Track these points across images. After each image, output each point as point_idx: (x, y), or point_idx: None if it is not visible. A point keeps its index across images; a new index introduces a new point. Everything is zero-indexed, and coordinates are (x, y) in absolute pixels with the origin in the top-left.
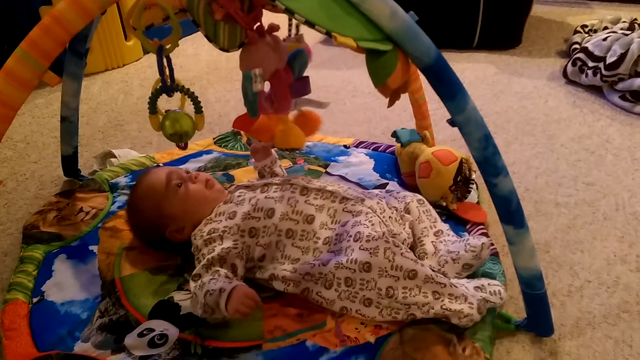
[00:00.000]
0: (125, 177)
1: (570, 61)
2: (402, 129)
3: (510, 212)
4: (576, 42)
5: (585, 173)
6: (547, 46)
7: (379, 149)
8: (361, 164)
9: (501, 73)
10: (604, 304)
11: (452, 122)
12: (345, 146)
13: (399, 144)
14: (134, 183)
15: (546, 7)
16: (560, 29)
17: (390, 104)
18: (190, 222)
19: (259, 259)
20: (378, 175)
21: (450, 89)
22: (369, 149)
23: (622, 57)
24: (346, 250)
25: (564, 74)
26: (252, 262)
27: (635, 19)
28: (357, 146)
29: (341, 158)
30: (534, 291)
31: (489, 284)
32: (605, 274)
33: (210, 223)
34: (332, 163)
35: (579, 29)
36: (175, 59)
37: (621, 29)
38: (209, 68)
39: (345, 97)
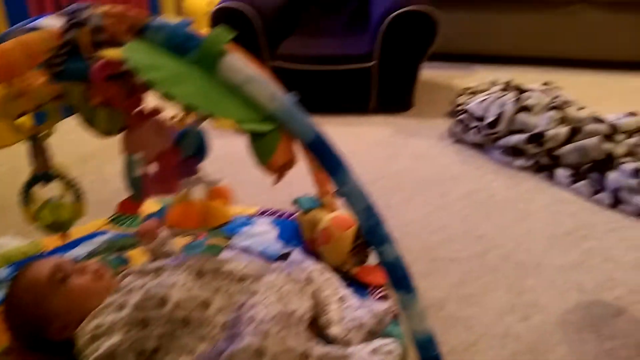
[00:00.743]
0: (5, 269)
1: (456, 122)
2: (304, 196)
3: (398, 279)
4: (461, 104)
5: (475, 227)
6: (437, 108)
7: (283, 217)
8: (265, 233)
9: (397, 135)
10: (497, 356)
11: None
12: (248, 216)
13: (301, 211)
14: (14, 276)
15: (435, 71)
16: (447, 91)
17: (277, 181)
18: (75, 320)
19: (153, 352)
20: (282, 243)
21: (332, 165)
22: (273, 217)
23: (499, 117)
24: (240, 336)
25: (452, 133)
26: (144, 355)
27: (510, 81)
28: (261, 214)
29: (244, 229)
30: (428, 355)
31: (383, 345)
32: (497, 327)
33: (96, 318)
34: (235, 235)
35: (463, 91)
36: (69, 135)
37: (498, 90)
38: (107, 142)
39: (249, 164)
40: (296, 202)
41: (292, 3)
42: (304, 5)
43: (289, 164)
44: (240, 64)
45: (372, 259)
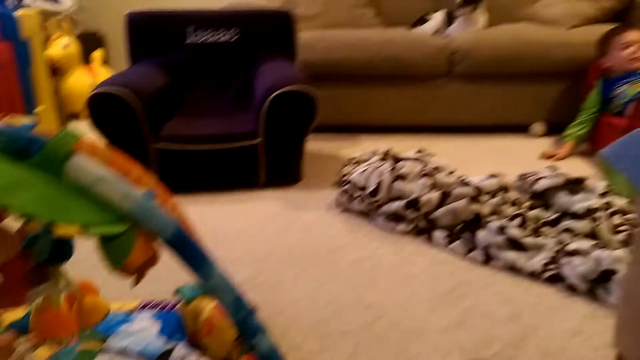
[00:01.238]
0: None
1: (341, 192)
2: (187, 284)
3: None
4: (346, 174)
5: (364, 296)
6: (325, 179)
7: (166, 308)
8: (145, 330)
9: (286, 208)
10: None
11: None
12: (127, 312)
13: (183, 302)
14: None
15: (322, 143)
16: (335, 162)
17: (136, 282)
18: None
19: None
20: (165, 338)
21: (194, 260)
22: (155, 309)
23: (378, 186)
24: None
25: (339, 203)
26: None
27: (388, 150)
28: (142, 308)
29: (123, 327)
30: None
31: None
32: None
33: None
34: (111, 336)
35: (348, 161)
36: None
37: (377, 160)
38: None
39: None
40: (178, 291)
41: (174, 84)
42: (188, 85)
43: (148, 263)
44: (88, 165)
45: None
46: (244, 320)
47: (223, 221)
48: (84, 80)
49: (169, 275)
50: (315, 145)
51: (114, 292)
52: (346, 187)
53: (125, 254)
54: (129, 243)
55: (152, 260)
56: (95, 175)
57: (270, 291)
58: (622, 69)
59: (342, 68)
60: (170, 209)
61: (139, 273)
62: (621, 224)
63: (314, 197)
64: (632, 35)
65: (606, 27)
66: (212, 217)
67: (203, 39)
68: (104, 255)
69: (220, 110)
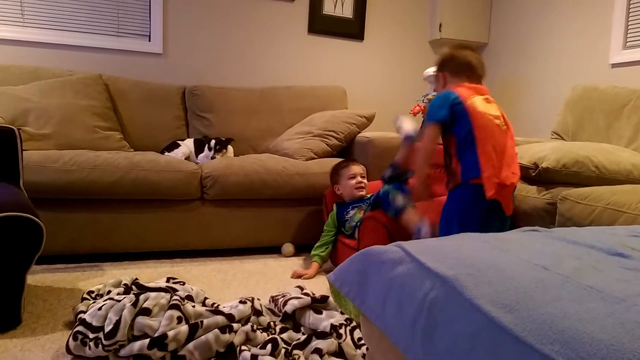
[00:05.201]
0: None
1: (72, 335)
2: None
3: None
4: (82, 311)
5: None
6: (55, 320)
7: None
8: None
9: None
10: None
11: None
12: None
13: None
14: None
15: (56, 275)
16: (70, 296)
17: None
18: None
19: None
20: None
21: None
22: None
23: (117, 324)
24: None
25: (67, 350)
26: None
27: (134, 280)
28: None
29: None
30: None
31: None
32: None
33: None
34: None
35: (85, 295)
36: None
37: (118, 293)
38: None
39: None
40: None
41: None
42: None
43: None
44: None
45: None
46: None
47: None
48: None
49: None
50: (45, 278)
51: None
52: (77, 328)
53: None
54: None
55: None
56: None
57: None
58: (350, 196)
59: (79, 191)
60: None
61: None
62: (362, 338)
63: (39, 343)
64: (356, 168)
65: (335, 160)
66: None
67: None
68: None
69: None
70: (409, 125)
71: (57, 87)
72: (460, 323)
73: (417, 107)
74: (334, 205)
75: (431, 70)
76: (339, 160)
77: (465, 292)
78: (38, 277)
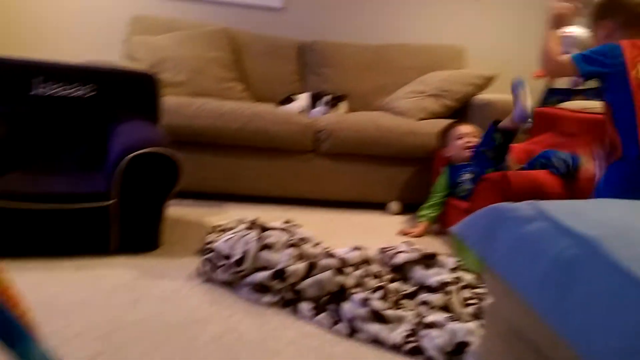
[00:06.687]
0: None
1: (203, 260)
2: None
3: None
4: (210, 242)
5: None
6: (186, 247)
7: None
8: None
9: (141, 278)
10: None
11: None
12: None
13: None
14: None
15: (186, 209)
16: (198, 229)
17: None
18: None
19: None
20: None
21: (9, 336)
22: None
23: (244, 255)
24: None
25: (201, 273)
26: None
27: (255, 219)
28: None
29: None
30: None
31: None
32: None
33: None
34: None
35: (212, 229)
36: None
37: (244, 229)
38: None
39: None
40: None
41: (13, 136)
42: (30, 139)
43: None
44: None
45: None
46: None
47: (62, 290)
48: None
49: None
50: (177, 211)
51: None
52: (209, 255)
53: None
54: None
55: None
56: None
57: None
58: (459, 157)
59: (208, 136)
60: None
61: None
62: (470, 298)
63: (173, 265)
64: (465, 128)
65: (446, 122)
66: (48, 285)
67: (52, 91)
68: None
69: (68, 169)
70: (528, 101)
71: (189, 38)
72: (599, 282)
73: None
74: (446, 167)
75: (575, 30)
76: (449, 121)
77: (608, 252)
78: (171, 210)
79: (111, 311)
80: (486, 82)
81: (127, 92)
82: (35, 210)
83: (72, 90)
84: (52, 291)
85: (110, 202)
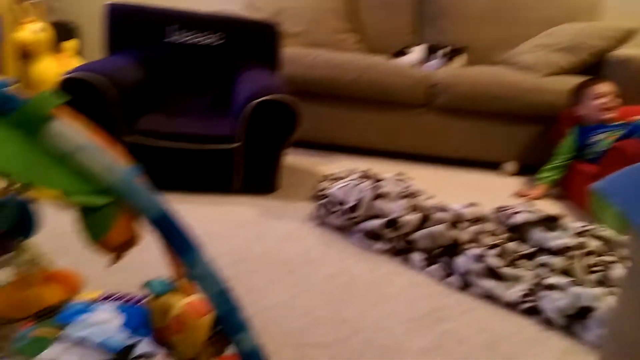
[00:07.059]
0: None
1: (319, 205)
2: (157, 278)
3: None
4: (324, 188)
5: (339, 311)
6: (301, 192)
7: (131, 302)
8: (107, 322)
9: (262, 216)
10: None
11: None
12: (88, 302)
13: (151, 296)
14: None
15: (300, 157)
16: (311, 176)
17: (115, 261)
18: None
19: None
20: (128, 332)
21: (180, 245)
22: (119, 302)
23: (358, 202)
24: None
25: (315, 216)
26: None
27: (367, 170)
28: (105, 299)
29: (82, 317)
30: None
31: None
32: None
33: None
34: (69, 325)
35: (325, 177)
36: None
37: (358, 177)
38: None
39: None
40: (147, 285)
41: (151, 80)
42: (165, 83)
43: (128, 243)
44: (70, 132)
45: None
46: (228, 314)
47: (195, 222)
48: (53, 68)
49: (137, 267)
50: (292, 158)
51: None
52: (324, 201)
53: (105, 228)
54: (110, 218)
55: (132, 241)
56: (77, 143)
57: (243, 296)
58: (593, 118)
59: (323, 86)
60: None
61: (117, 252)
62: (595, 265)
63: (290, 208)
64: (604, 87)
65: (578, 79)
66: (184, 216)
67: (185, 38)
68: (83, 227)
69: (197, 111)
70: None
71: None
72: None
73: None
74: (575, 127)
75: None
76: (582, 78)
77: None
78: (286, 158)
79: (238, 243)
80: (626, 36)
81: (251, 40)
82: (171, 149)
83: (203, 38)
84: (188, 222)
85: (235, 144)
